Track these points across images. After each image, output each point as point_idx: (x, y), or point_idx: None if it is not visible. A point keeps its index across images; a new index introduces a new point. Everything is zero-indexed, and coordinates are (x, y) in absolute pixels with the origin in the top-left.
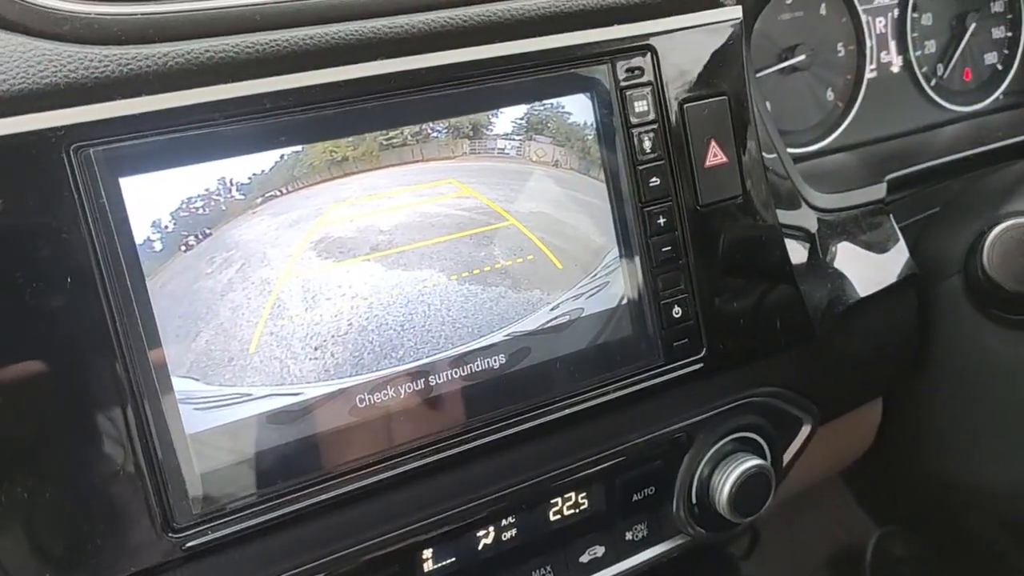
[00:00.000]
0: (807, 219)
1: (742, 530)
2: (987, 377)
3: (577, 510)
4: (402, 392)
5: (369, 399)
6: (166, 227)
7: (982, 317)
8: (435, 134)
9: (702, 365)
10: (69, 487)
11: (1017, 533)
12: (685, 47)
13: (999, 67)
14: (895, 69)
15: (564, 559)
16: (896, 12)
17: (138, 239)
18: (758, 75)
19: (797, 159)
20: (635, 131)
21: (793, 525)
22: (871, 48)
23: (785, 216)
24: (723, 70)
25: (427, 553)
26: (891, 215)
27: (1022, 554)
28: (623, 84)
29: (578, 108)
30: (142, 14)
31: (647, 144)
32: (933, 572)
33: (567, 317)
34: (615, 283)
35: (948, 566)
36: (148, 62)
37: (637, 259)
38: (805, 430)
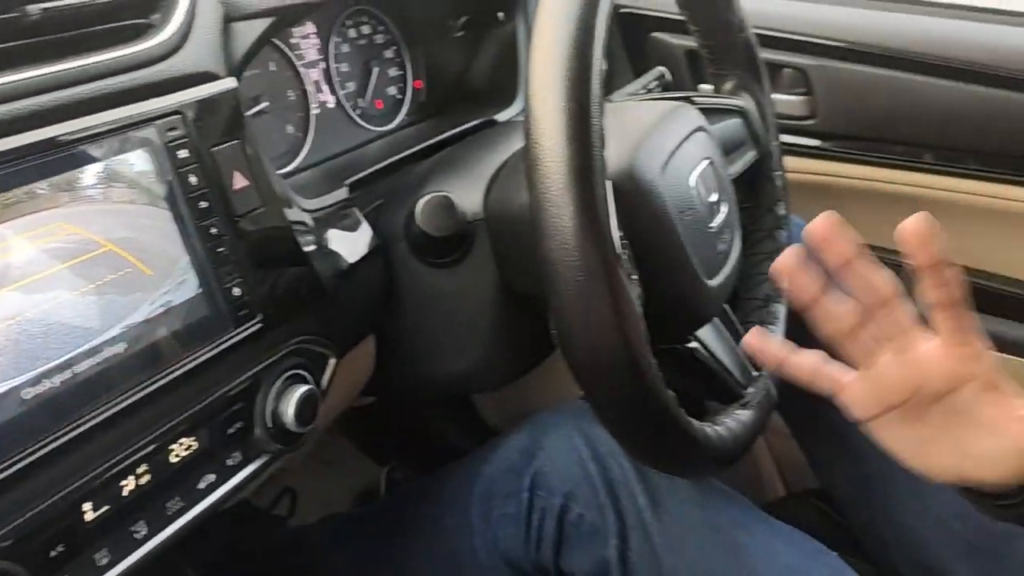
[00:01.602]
0: (305, 217)
1: (304, 448)
2: (428, 304)
3: (190, 451)
4: (56, 382)
5: (32, 391)
6: None
7: (421, 265)
8: (42, 191)
9: (260, 326)
10: None
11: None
12: (205, 109)
13: (398, 97)
14: (331, 105)
15: (187, 488)
16: (323, 65)
17: None
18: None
19: (284, 177)
20: (182, 171)
21: (321, 482)
22: (311, 92)
23: (291, 215)
24: (230, 122)
25: (87, 506)
26: (356, 207)
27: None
28: (167, 140)
29: (141, 160)
30: None
31: (192, 179)
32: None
33: (163, 308)
34: (191, 279)
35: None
36: None
37: (201, 260)
38: (332, 362)
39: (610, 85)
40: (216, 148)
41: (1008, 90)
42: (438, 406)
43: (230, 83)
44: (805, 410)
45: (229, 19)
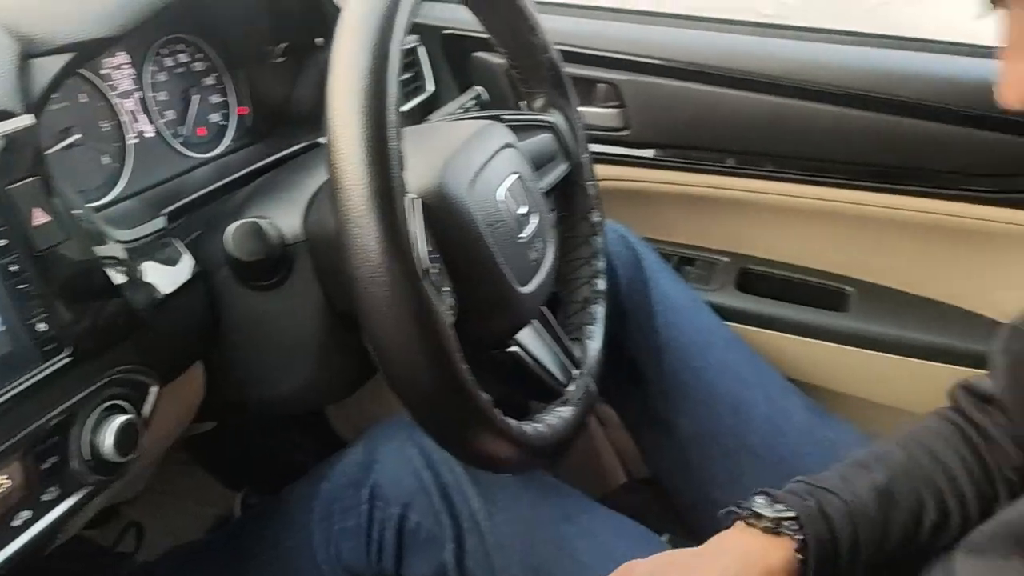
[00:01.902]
0: (116, 250)
1: (136, 479)
2: (255, 328)
3: (1, 488)
4: None
5: None
6: None
7: (245, 289)
8: None
9: (71, 360)
10: None
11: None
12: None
13: (222, 123)
14: (150, 135)
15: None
16: (139, 95)
17: None
18: (49, 153)
19: (98, 209)
20: None
21: (173, 515)
22: (126, 123)
23: (100, 250)
24: (29, 159)
25: None
26: (177, 236)
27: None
28: None
29: None
30: None
31: None
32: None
33: None
34: None
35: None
36: None
37: (1, 297)
38: (154, 391)
39: (436, 104)
40: (12, 186)
41: (796, 99)
42: (288, 424)
43: (27, 120)
44: (634, 402)
45: (26, 56)
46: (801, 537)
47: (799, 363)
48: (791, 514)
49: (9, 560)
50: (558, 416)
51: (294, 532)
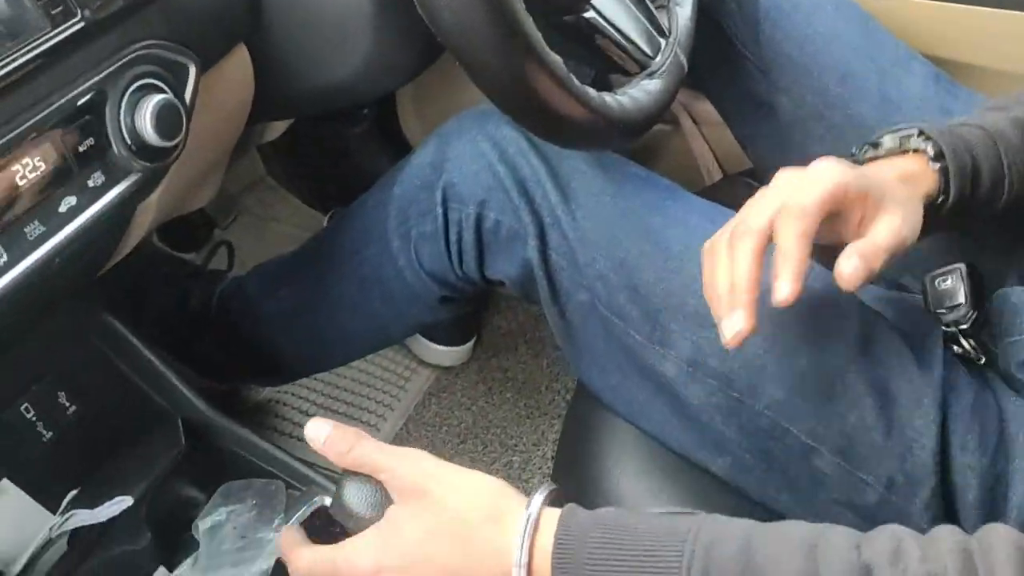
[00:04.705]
0: None
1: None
2: (296, 4)
3: (38, 171)
4: None
5: None
6: None
7: None
8: None
9: (83, 25)
10: None
11: None
12: None
13: None
14: None
15: (47, 213)
16: None
17: None
18: None
19: None
20: None
21: (265, 237)
22: None
23: None
24: None
25: None
26: None
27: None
28: None
29: None
30: None
31: None
32: None
33: None
34: None
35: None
36: None
37: None
38: (193, 71)
39: None
40: None
41: None
42: (365, 138)
43: None
44: (730, 86)
45: None
46: (937, 148)
47: (929, 31)
48: (923, 133)
49: (61, 246)
50: (643, 89)
51: (373, 241)
